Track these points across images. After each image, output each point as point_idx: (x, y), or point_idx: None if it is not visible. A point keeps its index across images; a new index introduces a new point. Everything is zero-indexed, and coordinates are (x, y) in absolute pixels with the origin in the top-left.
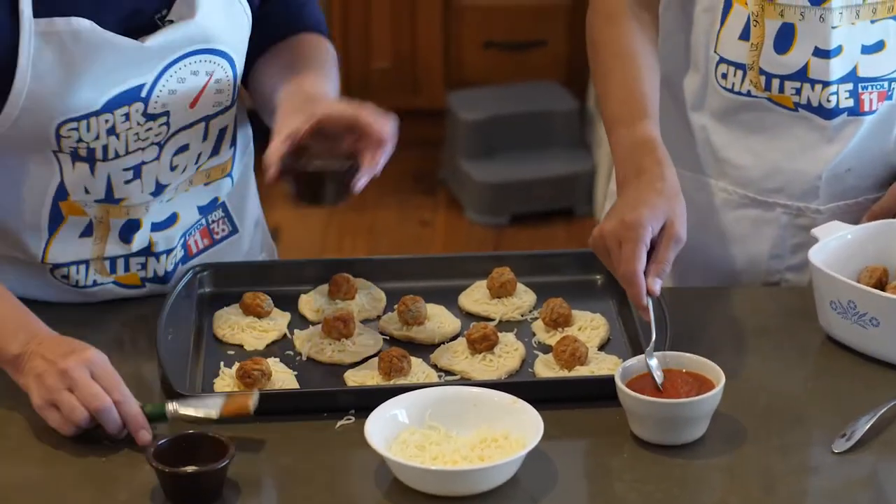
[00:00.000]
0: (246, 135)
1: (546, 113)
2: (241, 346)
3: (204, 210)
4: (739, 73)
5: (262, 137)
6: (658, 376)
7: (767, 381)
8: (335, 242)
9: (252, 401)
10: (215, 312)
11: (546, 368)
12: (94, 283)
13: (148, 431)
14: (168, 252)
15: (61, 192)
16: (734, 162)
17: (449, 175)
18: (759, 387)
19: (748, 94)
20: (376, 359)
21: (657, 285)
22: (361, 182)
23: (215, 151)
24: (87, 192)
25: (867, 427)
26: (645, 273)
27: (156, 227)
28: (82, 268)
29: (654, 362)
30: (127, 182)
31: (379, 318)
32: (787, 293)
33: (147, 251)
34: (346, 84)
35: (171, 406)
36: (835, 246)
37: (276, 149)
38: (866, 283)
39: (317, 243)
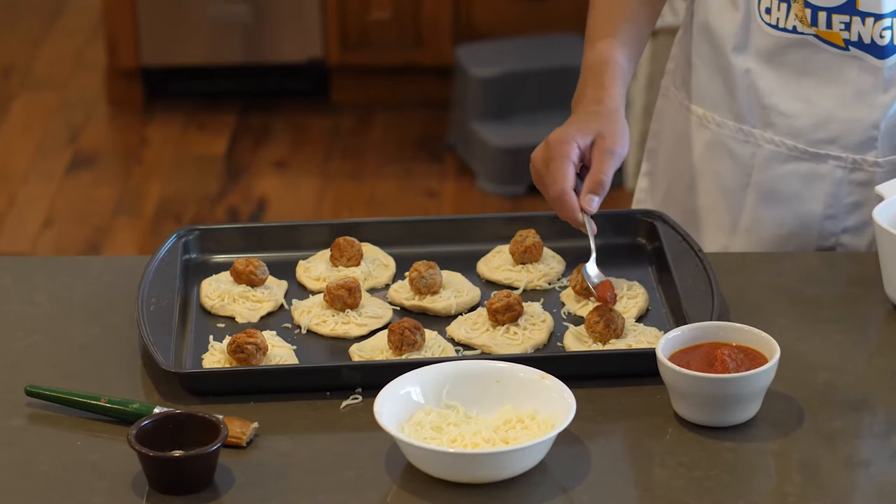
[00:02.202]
0: None
1: (568, 69)
2: (232, 319)
3: None
4: (784, 6)
5: None
6: (593, 283)
7: (825, 357)
8: (330, 216)
9: (248, 433)
10: (203, 281)
11: (577, 342)
12: None
13: None
14: None
15: None
16: (782, 109)
17: (458, 139)
18: (817, 363)
19: (794, 30)
20: (385, 331)
21: (593, 203)
22: None
23: None
24: None
25: None
26: (580, 191)
27: None
28: None
29: (593, 271)
30: None
31: (388, 286)
32: (844, 259)
33: None
34: (341, 38)
35: None
36: None
37: None
38: None
39: (309, 217)
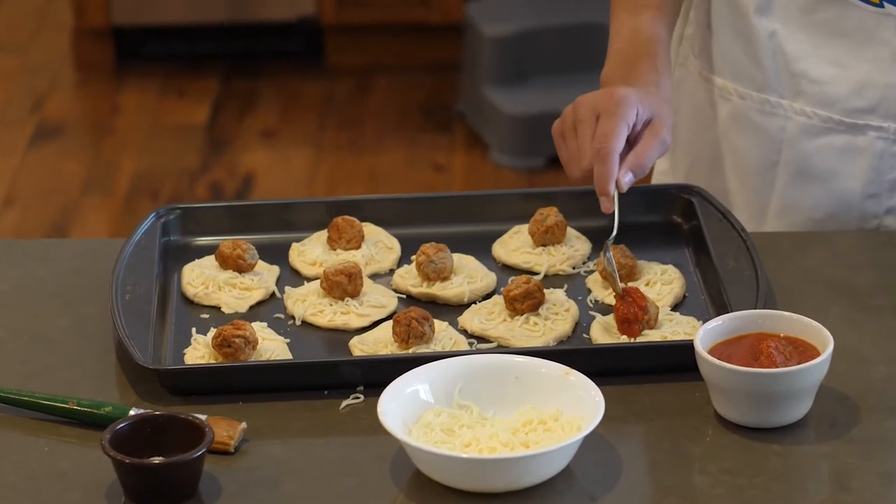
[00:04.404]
0: None
1: (591, 26)
2: (218, 308)
3: None
4: None
5: None
6: (616, 276)
7: (882, 349)
8: (324, 193)
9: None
10: (184, 266)
11: (605, 333)
12: None
13: None
14: None
15: None
16: (812, 75)
17: (468, 107)
18: (873, 356)
19: None
20: (390, 322)
21: (627, 178)
22: None
23: None
24: None
25: None
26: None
27: None
28: None
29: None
30: None
31: (392, 271)
32: (890, 239)
33: None
34: None
35: None
36: None
37: None
38: None
39: (301, 194)
